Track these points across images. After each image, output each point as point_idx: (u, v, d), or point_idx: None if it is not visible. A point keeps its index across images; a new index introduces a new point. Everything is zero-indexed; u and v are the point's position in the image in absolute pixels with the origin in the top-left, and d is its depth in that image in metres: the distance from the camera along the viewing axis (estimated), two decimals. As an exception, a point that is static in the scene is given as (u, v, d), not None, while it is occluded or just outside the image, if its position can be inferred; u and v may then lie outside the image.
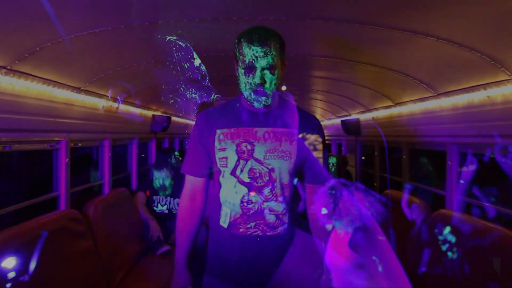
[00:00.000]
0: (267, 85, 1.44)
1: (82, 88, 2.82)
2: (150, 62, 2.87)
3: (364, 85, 3.63)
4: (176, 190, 3.82)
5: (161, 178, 3.76)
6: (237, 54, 1.47)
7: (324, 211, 1.50)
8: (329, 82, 4.01)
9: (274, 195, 1.52)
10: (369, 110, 4.27)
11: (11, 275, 1.94)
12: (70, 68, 2.53)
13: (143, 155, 5.03)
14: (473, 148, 2.60)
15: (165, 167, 3.79)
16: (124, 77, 3.03)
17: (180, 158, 4.98)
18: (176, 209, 3.92)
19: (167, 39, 2.30)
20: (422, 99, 3.03)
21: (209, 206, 1.67)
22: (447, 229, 2.43)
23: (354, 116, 4.64)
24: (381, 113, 4.04)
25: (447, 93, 2.65)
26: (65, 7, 1.69)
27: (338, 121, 5.16)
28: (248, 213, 1.51)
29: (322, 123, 6.18)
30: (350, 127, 4.56)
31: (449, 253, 2.40)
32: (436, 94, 2.78)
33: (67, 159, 2.94)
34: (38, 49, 2.02)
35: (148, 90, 3.68)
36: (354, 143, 5.14)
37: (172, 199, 3.89)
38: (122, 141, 3.96)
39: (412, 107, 3.30)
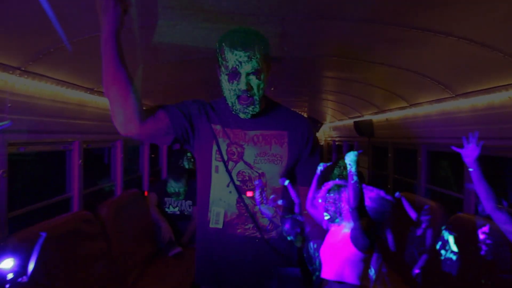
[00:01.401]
0: (254, 91, 1.36)
1: (95, 89, 2.82)
2: (164, 62, 2.85)
3: (379, 85, 3.56)
4: (189, 193, 3.82)
5: (176, 187, 3.75)
6: (219, 59, 1.38)
7: (326, 216, 1.60)
8: (341, 83, 3.95)
9: (265, 198, 1.44)
10: (383, 111, 4.20)
11: (22, 276, 1.92)
12: (83, 69, 2.53)
13: (153, 155, 5.02)
14: (493, 151, 2.53)
15: (180, 175, 3.78)
16: (137, 78, 3.01)
17: (193, 160, 4.94)
18: (188, 211, 3.90)
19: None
20: (439, 100, 2.96)
21: (198, 209, 1.58)
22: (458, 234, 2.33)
23: (367, 117, 4.57)
24: (395, 114, 3.96)
25: (466, 94, 2.58)
26: (78, 7, 1.68)
27: (350, 122, 5.09)
28: (245, 214, 1.44)
29: (333, 124, 6.10)
30: (363, 128, 4.48)
31: (467, 258, 2.33)
32: (454, 95, 2.71)
33: (80, 160, 2.94)
34: (52, 50, 2.01)
35: (165, 90, 3.65)
36: (367, 145, 5.06)
37: (184, 201, 3.87)
38: (134, 142, 3.96)
39: (428, 108, 3.23)
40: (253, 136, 1.45)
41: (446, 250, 2.26)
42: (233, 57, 1.31)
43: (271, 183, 1.45)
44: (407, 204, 2.31)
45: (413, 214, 2.39)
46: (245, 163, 1.44)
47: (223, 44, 1.34)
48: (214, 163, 1.45)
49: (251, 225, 1.44)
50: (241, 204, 1.43)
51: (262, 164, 1.44)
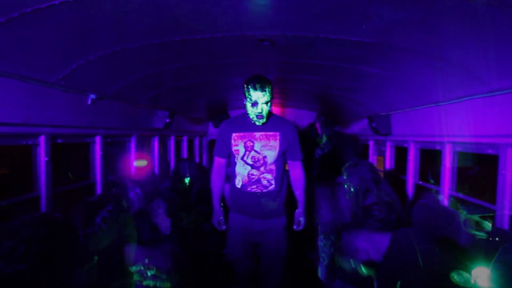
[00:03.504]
0: (263, 113, 2.43)
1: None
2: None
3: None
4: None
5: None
6: (246, 94, 2.41)
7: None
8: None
9: (266, 170, 2.56)
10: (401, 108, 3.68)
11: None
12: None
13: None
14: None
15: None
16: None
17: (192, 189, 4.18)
18: None
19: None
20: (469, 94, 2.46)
21: (230, 176, 2.72)
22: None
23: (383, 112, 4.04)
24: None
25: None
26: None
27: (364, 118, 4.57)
28: (252, 180, 2.57)
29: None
30: (379, 125, 3.96)
31: None
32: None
33: (47, 157, 2.61)
34: None
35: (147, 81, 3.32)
36: (383, 144, 4.54)
37: None
38: (117, 138, 3.61)
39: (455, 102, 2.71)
40: (260, 135, 2.54)
41: None
42: (255, 95, 2.37)
43: (270, 162, 2.55)
44: None
45: None
46: (255, 151, 2.53)
47: (249, 86, 2.39)
48: (236, 155, 2.58)
49: (254, 186, 2.58)
50: (250, 175, 2.57)
51: (265, 151, 2.54)
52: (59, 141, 2.77)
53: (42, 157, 2.60)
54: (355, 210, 2.90)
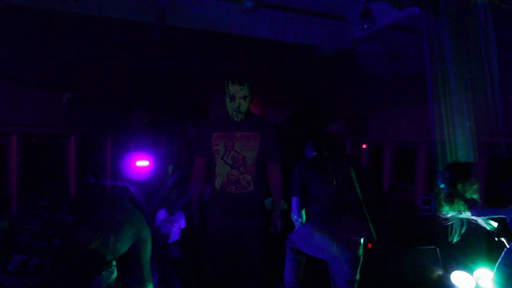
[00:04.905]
0: (241, 108, 2.43)
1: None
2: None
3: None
4: None
5: None
6: (226, 89, 2.43)
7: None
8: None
9: (246, 171, 2.51)
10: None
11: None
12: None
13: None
14: None
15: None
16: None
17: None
18: None
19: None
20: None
21: (210, 176, 2.60)
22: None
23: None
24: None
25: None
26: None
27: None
28: (231, 180, 2.50)
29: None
30: (355, 125, 4.02)
31: None
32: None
33: (19, 157, 2.52)
34: None
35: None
36: (359, 144, 4.63)
37: None
38: (93, 138, 3.51)
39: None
40: (240, 135, 2.51)
41: None
42: (232, 89, 2.39)
43: (249, 162, 2.50)
44: None
45: None
46: (235, 151, 2.49)
47: (228, 81, 2.39)
48: (215, 155, 2.50)
49: (233, 187, 2.50)
50: (229, 175, 2.49)
51: (244, 151, 2.50)
52: (33, 141, 2.68)
53: (13, 157, 2.50)
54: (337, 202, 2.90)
